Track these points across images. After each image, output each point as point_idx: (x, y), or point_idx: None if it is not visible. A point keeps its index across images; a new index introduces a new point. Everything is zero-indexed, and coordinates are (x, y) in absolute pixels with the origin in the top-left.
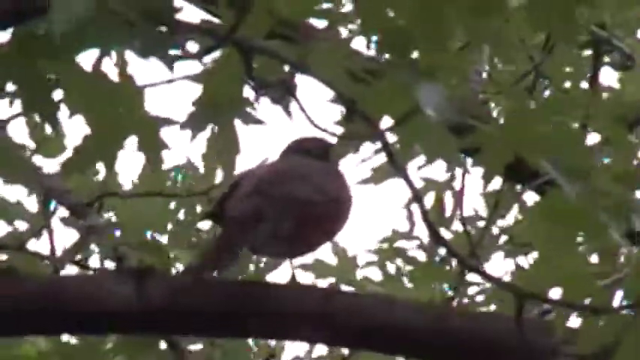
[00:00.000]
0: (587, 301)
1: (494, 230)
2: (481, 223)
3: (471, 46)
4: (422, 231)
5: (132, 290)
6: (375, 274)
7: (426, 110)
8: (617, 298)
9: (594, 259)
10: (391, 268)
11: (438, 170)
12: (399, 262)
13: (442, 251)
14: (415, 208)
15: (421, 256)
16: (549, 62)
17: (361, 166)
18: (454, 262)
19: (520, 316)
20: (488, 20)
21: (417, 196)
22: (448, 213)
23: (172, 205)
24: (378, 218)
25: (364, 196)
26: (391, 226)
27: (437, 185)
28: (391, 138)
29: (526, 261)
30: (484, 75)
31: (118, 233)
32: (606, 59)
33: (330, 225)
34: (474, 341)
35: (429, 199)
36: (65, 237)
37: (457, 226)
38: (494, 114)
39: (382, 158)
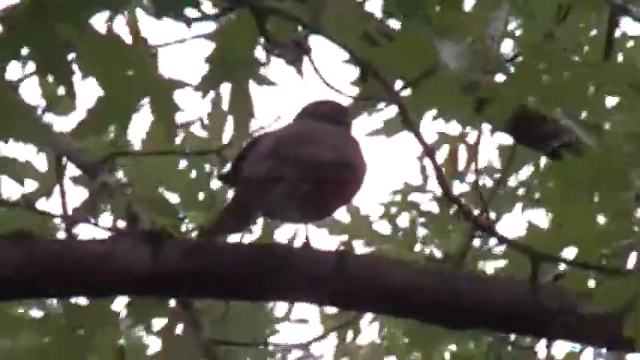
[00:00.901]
0: (602, 262)
1: (512, 183)
2: (497, 177)
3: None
4: (435, 184)
5: (148, 253)
6: (386, 228)
7: (449, 63)
8: (632, 259)
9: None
10: (403, 221)
11: (452, 123)
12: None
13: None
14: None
15: (435, 209)
16: (564, 28)
17: (373, 117)
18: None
19: (535, 278)
20: None
21: (430, 154)
22: (462, 166)
23: (182, 164)
24: (390, 170)
25: (375, 147)
26: (403, 179)
27: (451, 138)
28: (405, 98)
29: (541, 217)
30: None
31: (129, 191)
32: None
33: (346, 188)
34: (484, 304)
35: (443, 153)
36: (75, 197)
37: (472, 179)
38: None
39: (394, 110)
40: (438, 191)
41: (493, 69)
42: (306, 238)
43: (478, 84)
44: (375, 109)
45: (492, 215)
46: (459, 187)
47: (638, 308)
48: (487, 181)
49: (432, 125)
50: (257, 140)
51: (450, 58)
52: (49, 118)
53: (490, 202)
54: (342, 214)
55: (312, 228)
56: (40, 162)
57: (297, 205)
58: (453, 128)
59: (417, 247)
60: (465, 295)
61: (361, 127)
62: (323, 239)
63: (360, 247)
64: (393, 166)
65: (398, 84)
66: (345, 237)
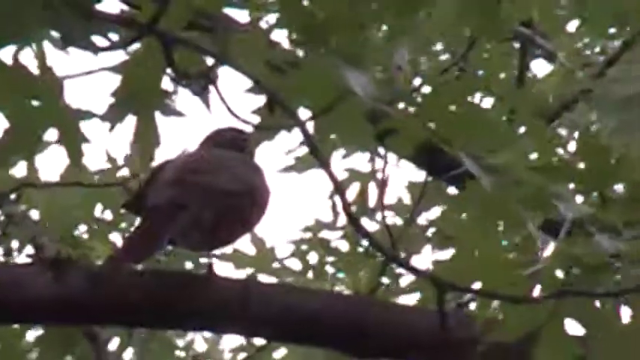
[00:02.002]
0: (507, 291)
1: (423, 222)
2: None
3: (392, 40)
4: (345, 221)
5: (50, 279)
6: (296, 265)
7: (355, 90)
8: (537, 288)
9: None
10: (313, 258)
11: (362, 161)
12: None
13: (366, 242)
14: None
15: (344, 247)
16: (474, 56)
17: (284, 154)
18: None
19: (442, 306)
20: (411, 16)
21: (339, 188)
22: (372, 204)
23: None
24: (300, 208)
25: (287, 184)
26: (314, 216)
27: (361, 176)
28: (310, 128)
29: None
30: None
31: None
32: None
33: (249, 215)
34: (392, 333)
35: (354, 190)
36: None
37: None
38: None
39: (306, 148)
40: (349, 229)
41: (399, 98)
42: (210, 266)
43: (383, 113)
44: (276, 138)
45: (402, 254)
46: (368, 225)
47: (545, 335)
48: (397, 220)
49: (342, 162)
50: (161, 168)
51: (356, 86)
52: None
53: (399, 240)
54: (247, 247)
55: (216, 259)
56: None
57: (201, 233)
58: (364, 165)
59: (327, 285)
60: (371, 322)
61: (267, 157)
62: (228, 272)
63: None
64: (303, 203)
65: (303, 113)
66: (250, 270)
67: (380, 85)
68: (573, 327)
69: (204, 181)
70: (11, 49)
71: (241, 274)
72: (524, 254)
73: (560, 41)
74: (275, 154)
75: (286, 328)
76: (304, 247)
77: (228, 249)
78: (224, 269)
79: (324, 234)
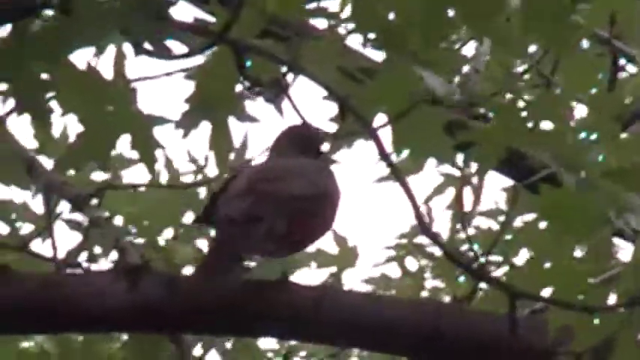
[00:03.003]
0: (580, 299)
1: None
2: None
3: (472, 41)
4: (441, 226)
5: (125, 288)
6: (395, 271)
7: (435, 91)
8: (612, 296)
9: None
10: (411, 264)
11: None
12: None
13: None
14: (434, 203)
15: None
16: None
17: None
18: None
19: (513, 314)
20: (490, 18)
21: (411, 195)
22: (468, 208)
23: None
24: (397, 215)
25: (383, 192)
26: (409, 222)
27: (456, 180)
28: (385, 136)
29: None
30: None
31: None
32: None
33: (321, 220)
34: (466, 339)
35: (449, 194)
36: (72, 237)
37: (479, 220)
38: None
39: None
40: (445, 234)
41: (477, 103)
42: (284, 272)
43: (461, 124)
44: (353, 146)
45: (498, 259)
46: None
47: (620, 345)
48: (493, 224)
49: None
50: (232, 177)
51: (435, 86)
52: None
53: (495, 245)
54: (329, 246)
55: (291, 264)
56: (37, 204)
57: (275, 242)
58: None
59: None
60: (444, 330)
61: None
62: (311, 271)
63: (349, 278)
64: (399, 210)
65: (377, 121)
66: (333, 269)
67: (458, 89)
68: None
69: (276, 189)
70: (84, 54)
71: (324, 272)
72: (598, 262)
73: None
74: (367, 164)
75: (359, 335)
76: (401, 252)
77: (310, 248)
78: (305, 270)
79: (420, 239)
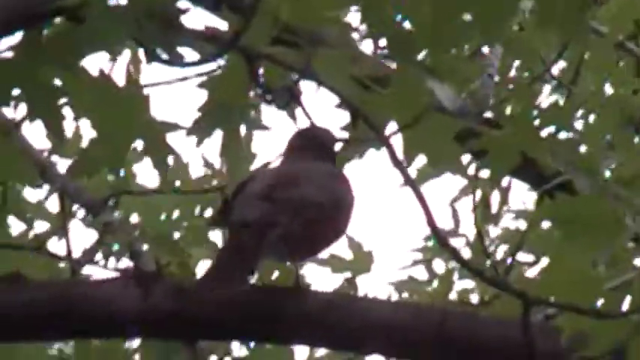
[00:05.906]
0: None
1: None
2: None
3: (485, 47)
4: (468, 228)
5: (138, 294)
6: (422, 274)
7: (444, 103)
8: (627, 302)
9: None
10: (439, 267)
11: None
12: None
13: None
14: (460, 205)
15: (466, 254)
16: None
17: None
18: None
19: (526, 319)
20: (502, 23)
21: (424, 202)
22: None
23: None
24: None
25: (407, 196)
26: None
27: (483, 182)
28: (396, 144)
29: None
30: (496, 79)
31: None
32: None
33: (336, 225)
34: (473, 345)
35: (476, 196)
36: (87, 237)
37: (505, 222)
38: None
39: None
40: (471, 235)
41: (486, 109)
42: (297, 276)
43: (472, 132)
44: (365, 154)
45: (529, 258)
46: (494, 231)
47: (634, 350)
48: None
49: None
50: (247, 180)
51: (444, 99)
52: (54, 159)
53: (521, 246)
54: (344, 251)
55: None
56: (52, 203)
57: (289, 247)
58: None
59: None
60: (457, 334)
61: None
62: (325, 276)
63: (363, 282)
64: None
65: (390, 128)
66: (348, 274)
67: (467, 98)
68: None
69: (291, 195)
70: (98, 61)
71: (339, 278)
72: (613, 267)
73: None
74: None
75: (368, 341)
76: (428, 255)
77: (324, 254)
78: (320, 274)
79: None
